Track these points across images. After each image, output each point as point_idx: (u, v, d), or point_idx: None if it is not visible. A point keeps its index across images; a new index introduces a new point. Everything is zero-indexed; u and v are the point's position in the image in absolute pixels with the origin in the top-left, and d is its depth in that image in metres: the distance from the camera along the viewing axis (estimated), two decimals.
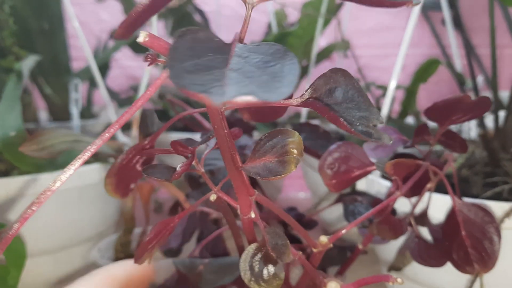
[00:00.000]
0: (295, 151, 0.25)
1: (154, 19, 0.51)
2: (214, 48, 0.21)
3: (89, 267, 0.59)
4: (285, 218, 0.30)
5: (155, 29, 0.51)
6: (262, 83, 0.18)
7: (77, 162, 0.21)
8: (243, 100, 0.16)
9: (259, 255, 0.26)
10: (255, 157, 0.26)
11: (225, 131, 0.25)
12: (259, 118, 0.28)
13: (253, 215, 0.28)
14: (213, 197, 0.28)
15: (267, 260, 0.25)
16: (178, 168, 0.25)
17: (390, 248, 0.47)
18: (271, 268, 0.25)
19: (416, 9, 0.51)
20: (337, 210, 0.65)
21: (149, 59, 0.22)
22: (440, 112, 0.34)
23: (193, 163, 0.27)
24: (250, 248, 0.26)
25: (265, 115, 0.28)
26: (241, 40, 0.24)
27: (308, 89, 0.25)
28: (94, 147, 0.22)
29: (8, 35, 0.60)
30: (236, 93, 0.16)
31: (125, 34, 0.25)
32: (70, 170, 0.21)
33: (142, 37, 0.21)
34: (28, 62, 0.59)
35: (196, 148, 0.27)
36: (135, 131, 0.47)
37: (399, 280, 0.29)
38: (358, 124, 0.24)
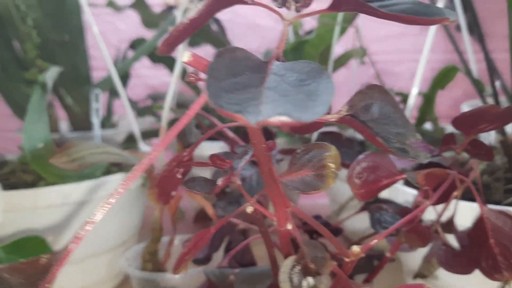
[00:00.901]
0: (332, 165, 0.26)
1: None
2: (252, 67, 0.21)
3: (114, 276, 0.59)
4: (320, 229, 0.30)
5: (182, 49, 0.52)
6: (297, 103, 0.18)
7: (128, 181, 0.22)
8: (278, 120, 0.17)
9: (298, 267, 0.26)
10: (292, 170, 0.27)
11: (263, 145, 0.25)
12: (298, 130, 0.29)
13: (289, 227, 0.28)
14: (249, 209, 0.29)
15: (306, 272, 0.26)
16: (218, 182, 0.25)
17: (415, 256, 0.48)
18: (310, 280, 0.26)
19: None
20: (359, 218, 0.66)
21: (192, 79, 0.23)
22: (467, 122, 0.34)
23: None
24: (289, 261, 0.27)
25: (303, 128, 0.29)
26: (278, 56, 0.25)
27: (345, 105, 0.26)
28: (142, 165, 0.23)
29: (31, 47, 0.62)
30: (272, 112, 0.17)
31: (168, 50, 0.26)
32: (121, 190, 0.22)
33: (186, 57, 0.22)
34: (51, 74, 0.60)
35: (233, 162, 0.28)
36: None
37: None
38: (394, 141, 0.25)
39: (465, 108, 0.78)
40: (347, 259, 0.32)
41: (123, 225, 0.59)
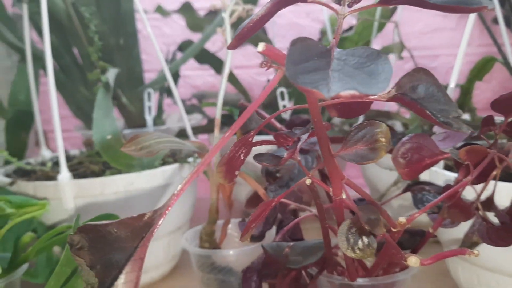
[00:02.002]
0: (383, 139, 0.30)
1: (228, 28, 0.56)
2: (318, 53, 0.25)
3: (170, 259, 0.64)
4: (369, 199, 0.34)
5: (228, 36, 0.56)
6: (361, 81, 0.22)
7: (194, 175, 0.26)
8: (348, 94, 0.21)
9: (354, 229, 0.30)
10: (347, 146, 0.31)
11: (323, 123, 0.29)
12: (345, 114, 0.33)
13: (344, 196, 0.32)
14: (308, 181, 0.33)
15: (361, 232, 0.30)
16: (285, 155, 0.29)
17: (455, 235, 0.50)
18: (365, 239, 0.30)
19: (472, 16, 0.54)
20: (397, 203, 0.68)
21: (265, 65, 0.27)
22: (505, 104, 0.37)
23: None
24: (346, 223, 0.30)
25: (351, 111, 0.32)
26: (336, 43, 0.29)
27: (393, 87, 0.29)
28: (215, 149, 0.27)
29: (94, 50, 0.67)
30: (341, 88, 0.21)
31: (237, 45, 0.31)
32: (191, 179, 0.26)
33: (261, 47, 0.26)
34: (111, 74, 0.66)
35: (295, 140, 0.32)
36: (216, 132, 0.53)
37: (475, 252, 0.32)
38: (439, 116, 0.28)
39: None
40: (394, 229, 0.36)
41: (179, 211, 0.64)
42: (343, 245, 0.29)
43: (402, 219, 0.35)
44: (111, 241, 0.27)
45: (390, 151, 0.44)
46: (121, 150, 0.47)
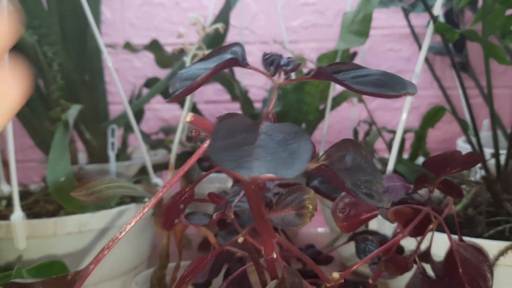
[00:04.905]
0: (310, 206, 0.31)
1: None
2: (247, 127, 0.26)
3: None
4: (302, 257, 0.35)
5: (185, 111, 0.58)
6: (281, 160, 0.23)
7: (138, 217, 0.27)
8: (267, 177, 0.22)
9: None
10: (277, 208, 0.32)
11: (253, 187, 0.30)
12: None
13: (275, 256, 0.33)
14: (240, 240, 0.34)
15: None
16: (214, 216, 0.30)
17: (401, 283, 0.52)
18: None
19: (422, 57, 0.57)
20: (353, 246, 0.70)
21: (193, 134, 0.28)
22: (436, 165, 0.39)
23: (226, 212, 0.33)
24: (272, 284, 0.31)
25: None
26: (268, 115, 0.30)
27: (322, 155, 0.31)
28: (151, 203, 0.28)
29: (56, 89, 0.68)
30: (261, 170, 0.22)
31: (176, 101, 0.32)
32: (132, 222, 0.27)
33: (189, 117, 0.27)
34: (73, 112, 0.67)
35: (228, 200, 0.33)
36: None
37: None
38: (363, 187, 0.30)
39: (460, 143, 0.82)
40: (328, 285, 0.37)
41: (135, 251, 0.64)
42: None
43: (336, 275, 0.37)
44: None
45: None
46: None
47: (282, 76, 0.32)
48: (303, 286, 0.30)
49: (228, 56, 0.31)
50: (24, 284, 0.27)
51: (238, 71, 1.01)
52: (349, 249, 0.73)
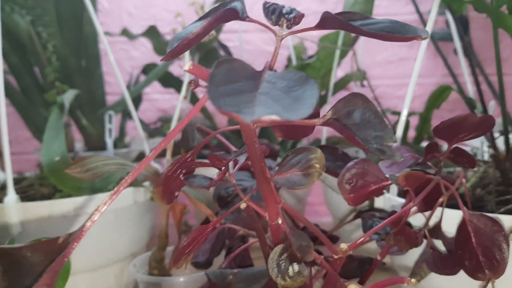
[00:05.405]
0: (317, 165, 0.29)
1: (186, 53, 0.56)
2: (247, 75, 0.25)
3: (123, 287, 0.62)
4: (307, 224, 0.33)
5: (187, 61, 0.56)
6: (286, 105, 0.21)
7: (124, 185, 0.25)
8: (269, 119, 0.20)
9: (285, 255, 0.29)
10: (282, 170, 0.30)
11: (256, 145, 0.29)
12: (289, 136, 0.32)
13: (280, 221, 0.31)
14: (243, 205, 0.32)
15: (292, 259, 0.29)
16: (215, 177, 0.28)
17: (408, 262, 0.50)
18: (295, 266, 0.29)
19: (426, 41, 0.56)
20: (358, 230, 0.68)
21: (192, 85, 0.26)
22: (448, 131, 0.37)
23: (226, 175, 0.31)
24: (277, 249, 0.29)
25: (294, 133, 0.32)
26: (271, 68, 0.29)
27: (329, 111, 0.29)
28: (138, 170, 0.26)
29: (51, 71, 0.66)
30: (264, 112, 0.20)
31: (171, 59, 0.30)
32: (119, 191, 0.25)
33: (187, 66, 0.26)
34: (69, 96, 0.65)
35: (230, 161, 0.31)
36: (169, 155, 0.52)
37: (413, 280, 0.32)
38: (373, 142, 0.28)
39: None
40: (336, 256, 0.35)
41: (133, 238, 0.62)
42: (273, 272, 0.28)
43: (344, 246, 0.35)
44: (25, 266, 0.25)
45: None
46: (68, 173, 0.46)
47: (285, 28, 0.30)
48: (311, 249, 0.28)
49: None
50: (10, 249, 0.25)
51: (236, 52, 0.99)
52: (353, 233, 0.71)
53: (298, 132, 0.35)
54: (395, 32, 0.27)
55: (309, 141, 0.83)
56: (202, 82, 0.28)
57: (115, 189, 0.26)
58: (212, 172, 0.33)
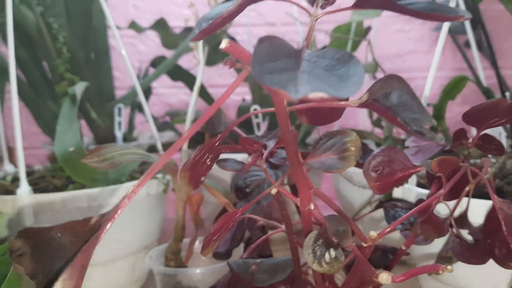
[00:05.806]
0: (353, 148, 0.28)
1: (200, 43, 0.55)
2: (287, 53, 0.24)
3: (135, 280, 0.61)
4: (338, 211, 0.32)
5: (201, 53, 0.55)
6: (331, 83, 0.21)
7: (148, 177, 0.24)
8: (316, 96, 0.19)
9: (321, 241, 0.28)
10: (315, 154, 0.29)
11: (290, 128, 0.28)
12: (316, 121, 0.31)
13: (312, 207, 0.31)
14: (274, 191, 0.31)
15: (328, 244, 0.28)
16: (249, 160, 0.28)
17: (428, 253, 0.49)
18: (332, 252, 0.28)
19: (444, 32, 0.55)
20: (371, 224, 0.67)
21: (228, 63, 0.25)
22: (477, 116, 0.36)
23: (257, 160, 0.30)
24: (312, 234, 0.29)
25: (322, 118, 0.31)
26: (307, 46, 0.28)
27: (365, 93, 0.28)
28: (166, 158, 0.25)
29: (61, 62, 0.65)
30: (309, 90, 0.19)
31: (201, 38, 0.29)
32: (145, 181, 0.24)
33: (224, 44, 0.25)
34: (80, 87, 0.64)
35: (261, 145, 0.30)
36: (185, 146, 0.51)
37: (449, 267, 0.31)
38: (412, 124, 0.27)
39: None
40: (365, 244, 0.34)
41: (145, 231, 0.61)
42: (309, 258, 0.28)
43: (373, 234, 0.34)
44: (55, 247, 0.24)
45: (361, 166, 0.43)
46: (83, 163, 0.45)
47: (320, 8, 0.29)
48: (349, 233, 0.27)
49: None
50: (39, 229, 0.25)
51: (244, 46, 0.98)
52: (366, 227, 0.71)
53: (326, 117, 0.34)
54: (437, 12, 0.26)
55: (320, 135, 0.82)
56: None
57: (146, 173, 0.25)
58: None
